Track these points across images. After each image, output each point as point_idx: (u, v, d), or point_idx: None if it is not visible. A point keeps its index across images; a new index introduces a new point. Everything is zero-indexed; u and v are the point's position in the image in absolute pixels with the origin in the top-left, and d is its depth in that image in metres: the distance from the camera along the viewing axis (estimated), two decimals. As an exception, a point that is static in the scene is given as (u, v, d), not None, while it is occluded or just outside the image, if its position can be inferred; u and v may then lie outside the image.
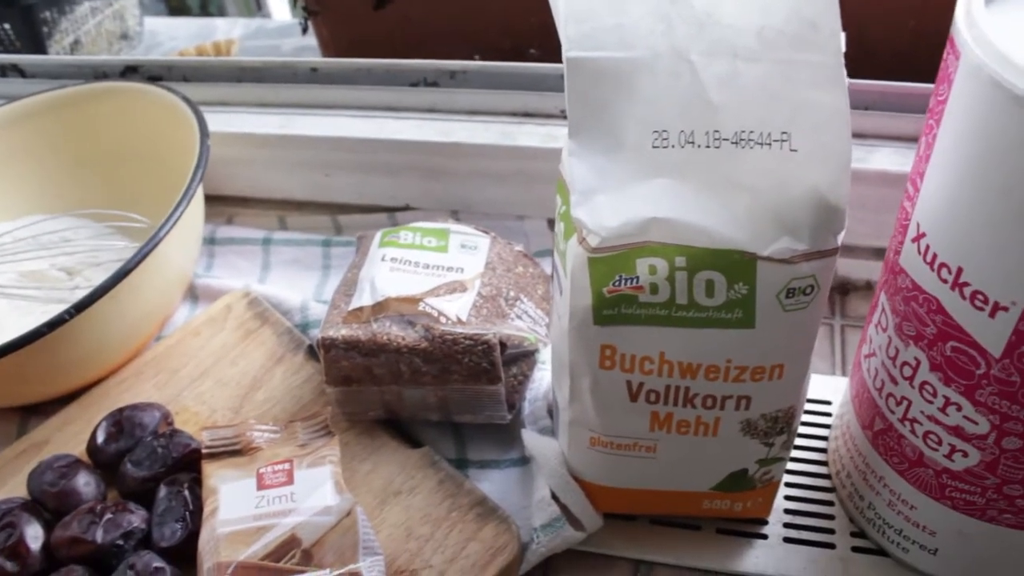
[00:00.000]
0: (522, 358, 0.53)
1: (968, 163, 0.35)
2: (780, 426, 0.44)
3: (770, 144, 0.37)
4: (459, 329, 0.50)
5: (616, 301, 0.38)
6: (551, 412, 0.53)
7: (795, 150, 0.36)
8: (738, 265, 0.37)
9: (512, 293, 0.55)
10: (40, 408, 0.60)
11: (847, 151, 0.36)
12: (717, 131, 0.37)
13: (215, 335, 0.62)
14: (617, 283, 0.38)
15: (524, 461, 0.54)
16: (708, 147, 0.37)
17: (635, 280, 0.38)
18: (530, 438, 0.51)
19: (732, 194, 0.37)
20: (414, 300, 0.52)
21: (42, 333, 0.52)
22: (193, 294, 0.68)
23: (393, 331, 0.50)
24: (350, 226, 0.73)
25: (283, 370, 0.59)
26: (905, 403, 0.42)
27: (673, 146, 0.37)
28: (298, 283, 0.69)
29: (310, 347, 0.60)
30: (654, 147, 0.37)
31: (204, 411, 0.58)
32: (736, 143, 0.37)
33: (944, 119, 0.36)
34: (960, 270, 0.36)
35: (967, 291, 0.36)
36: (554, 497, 0.49)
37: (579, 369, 0.42)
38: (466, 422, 0.55)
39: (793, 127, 0.36)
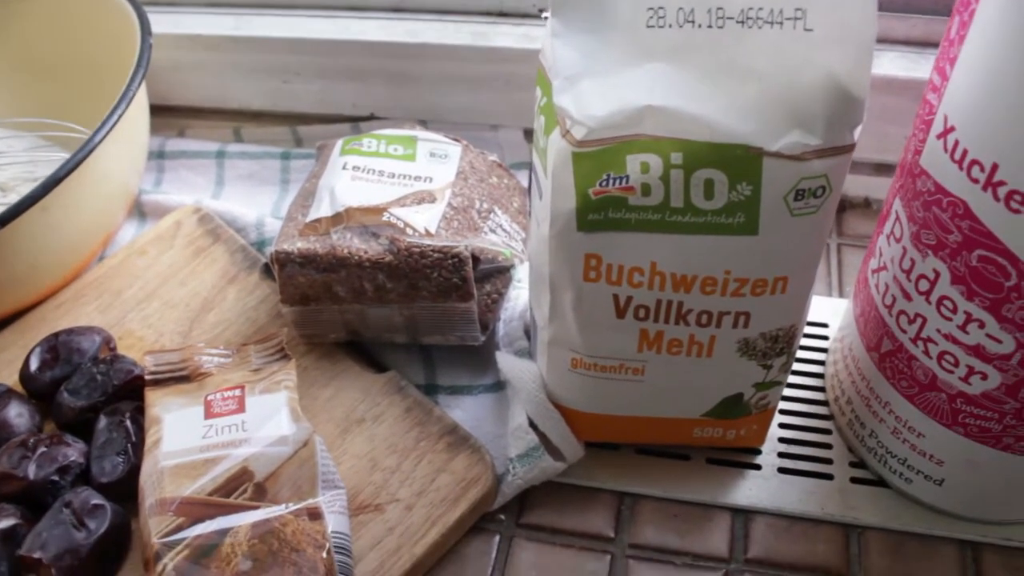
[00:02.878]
0: (496, 274, 0.49)
1: (1013, 40, 0.31)
2: (780, 346, 0.41)
3: (781, 23, 0.34)
4: (427, 241, 0.47)
5: (603, 204, 0.36)
6: (528, 333, 0.51)
7: (810, 29, 0.34)
8: (742, 162, 0.34)
9: (485, 205, 0.51)
10: (-28, 334, 0.56)
11: (871, 30, 0.33)
12: (720, 8, 0.34)
13: (163, 254, 0.59)
14: (604, 183, 0.35)
15: (499, 386, 0.51)
16: (710, 27, 0.34)
17: (625, 179, 0.35)
18: (505, 361, 0.49)
19: (737, 81, 0.34)
20: (378, 210, 0.48)
21: (-38, 249, 0.47)
22: (140, 211, 0.65)
23: (354, 244, 0.47)
24: (310, 137, 0.70)
25: (236, 290, 0.56)
26: (919, 321, 0.40)
27: (670, 25, 0.35)
28: (254, 199, 0.66)
29: (265, 265, 0.57)
30: (648, 26, 0.35)
31: (150, 335, 0.54)
32: (742, 22, 0.34)
33: (985, -11, 0.31)
34: (995, 167, 0.33)
35: (1002, 191, 0.33)
36: (531, 425, 0.47)
37: (560, 282, 0.40)
38: (435, 344, 0.52)
39: (808, 2, 0.34)
